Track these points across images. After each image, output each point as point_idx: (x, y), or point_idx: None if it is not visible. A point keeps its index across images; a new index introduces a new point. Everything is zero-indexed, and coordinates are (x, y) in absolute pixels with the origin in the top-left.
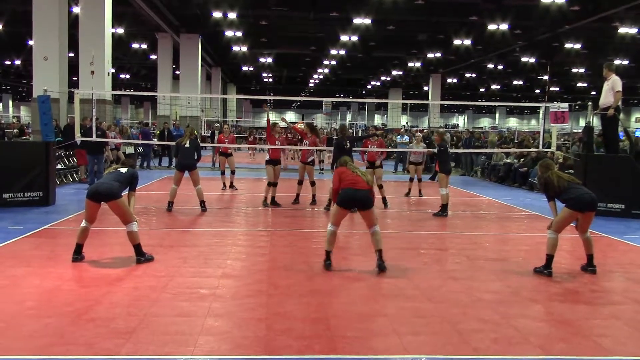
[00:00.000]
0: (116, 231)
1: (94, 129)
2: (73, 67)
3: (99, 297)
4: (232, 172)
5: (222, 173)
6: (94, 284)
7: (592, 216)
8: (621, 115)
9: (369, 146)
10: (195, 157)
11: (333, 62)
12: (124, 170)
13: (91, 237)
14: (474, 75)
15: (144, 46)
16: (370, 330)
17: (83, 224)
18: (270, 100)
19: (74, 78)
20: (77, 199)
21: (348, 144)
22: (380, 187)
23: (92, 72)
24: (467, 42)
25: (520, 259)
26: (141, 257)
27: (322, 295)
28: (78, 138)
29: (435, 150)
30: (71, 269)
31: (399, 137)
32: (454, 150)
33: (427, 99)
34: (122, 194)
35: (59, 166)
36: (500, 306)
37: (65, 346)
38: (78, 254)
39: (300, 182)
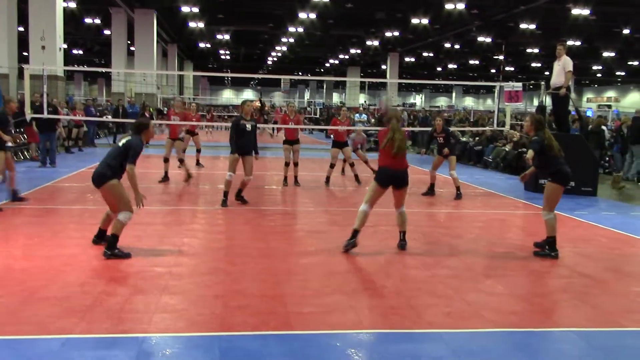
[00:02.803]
0: (69, 210)
1: (45, 105)
2: (23, 42)
3: (52, 276)
4: (198, 151)
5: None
6: (46, 263)
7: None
8: (573, 95)
9: (338, 125)
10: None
11: (291, 40)
12: (122, 141)
13: (44, 216)
14: (431, 54)
15: (97, 21)
16: (326, 306)
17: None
18: (228, 77)
19: (24, 53)
20: (27, 177)
21: (249, 127)
22: (352, 165)
23: (43, 48)
24: (425, 21)
25: (474, 235)
26: (109, 250)
27: (278, 273)
28: (29, 115)
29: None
30: (23, 248)
31: (357, 115)
32: (410, 128)
33: (385, 77)
34: (115, 176)
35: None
36: (453, 281)
37: (17, 325)
38: (98, 238)
39: (165, 160)
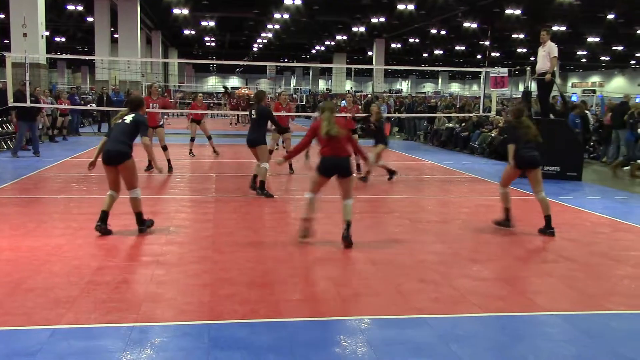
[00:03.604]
0: (54, 199)
1: (27, 94)
2: (4, 30)
3: (38, 267)
4: (209, 138)
5: (192, 140)
6: (32, 253)
7: (536, 174)
8: (558, 80)
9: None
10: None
11: (277, 26)
12: (129, 119)
13: (29, 206)
14: (417, 40)
15: (80, 8)
16: (314, 293)
17: (108, 191)
18: (213, 64)
19: (6, 41)
20: (12, 167)
21: (254, 114)
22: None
23: (25, 35)
24: (411, 6)
25: (461, 220)
26: (142, 226)
27: (266, 261)
28: (12, 104)
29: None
30: (7, 239)
31: (343, 102)
32: (396, 115)
33: (372, 64)
34: (131, 154)
35: None
36: (441, 267)
37: (3, 317)
38: (102, 223)
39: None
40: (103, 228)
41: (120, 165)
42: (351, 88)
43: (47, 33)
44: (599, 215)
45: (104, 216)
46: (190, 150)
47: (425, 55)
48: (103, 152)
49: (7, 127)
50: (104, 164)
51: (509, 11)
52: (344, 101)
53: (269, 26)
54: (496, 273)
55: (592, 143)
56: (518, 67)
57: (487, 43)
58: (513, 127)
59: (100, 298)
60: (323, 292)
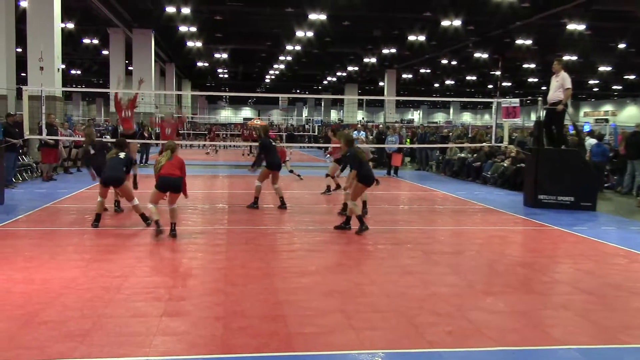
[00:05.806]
0: (68, 231)
1: (43, 126)
2: (21, 63)
3: (51, 300)
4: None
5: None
6: (45, 286)
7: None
8: (570, 110)
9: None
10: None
11: (289, 58)
12: (122, 155)
13: (43, 238)
14: (428, 70)
15: (96, 41)
16: (327, 326)
17: (99, 199)
18: (226, 96)
19: (23, 74)
20: (26, 198)
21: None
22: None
23: (42, 68)
24: (422, 37)
25: (474, 252)
26: (147, 220)
27: (279, 293)
28: (27, 136)
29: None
30: (22, 271)
31: (355, 132)
32: (409, 145)
33: (383, 94)
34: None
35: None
36: (455, 299)
37: (15, 350)
38: (97, 222)
39: None
40: (97, 225)
41: (121, 186)
42: (363, 118)
43: (63, 66)
44: (615, 246)
45: (97, 218)
46: None
47: (436, 85)
48: (105, 177)
49: (23, 159)
50: (104, 185)
51: (519, 41)
52: (355, 131)
53: (281, 58)
54: (511, 305)
55: (606, 172)
56: (529, 97)
57: (498, 73)
58: (353, 153)
59: (112, 331)
60: (336, 325)
